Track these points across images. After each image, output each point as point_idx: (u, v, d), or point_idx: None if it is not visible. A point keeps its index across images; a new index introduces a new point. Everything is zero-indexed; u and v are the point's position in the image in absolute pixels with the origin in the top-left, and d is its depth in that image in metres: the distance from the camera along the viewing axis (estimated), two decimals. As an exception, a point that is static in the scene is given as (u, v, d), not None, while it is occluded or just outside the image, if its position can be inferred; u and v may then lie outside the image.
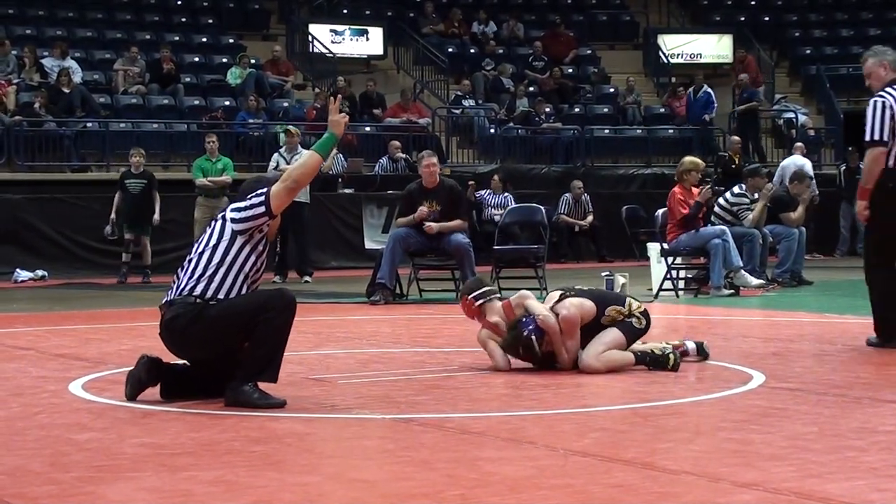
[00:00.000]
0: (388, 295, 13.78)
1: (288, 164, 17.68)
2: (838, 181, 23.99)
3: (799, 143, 23.64)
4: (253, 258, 6.76)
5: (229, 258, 6.70)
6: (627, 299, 8.08)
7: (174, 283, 6.81)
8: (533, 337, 7.70)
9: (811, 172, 22.50)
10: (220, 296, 6.66)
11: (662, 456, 5.16)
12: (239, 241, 6.72)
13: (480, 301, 8.17)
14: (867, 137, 8.90)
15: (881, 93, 8.98)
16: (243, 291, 6.71)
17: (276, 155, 18.46)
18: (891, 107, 8.88)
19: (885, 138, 8.85)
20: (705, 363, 8.15)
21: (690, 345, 8.29)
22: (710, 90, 26.43)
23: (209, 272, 6.68)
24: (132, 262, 18.23)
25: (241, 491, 4.66)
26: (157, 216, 18.16)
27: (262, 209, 6.71)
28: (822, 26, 31.86)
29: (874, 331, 9.11)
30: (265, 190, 6.74)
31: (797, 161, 22.40)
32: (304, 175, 6.77)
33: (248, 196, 6.77)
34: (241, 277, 6.71)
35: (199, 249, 6.75)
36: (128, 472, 5.00)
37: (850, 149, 24.47)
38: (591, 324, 7.86)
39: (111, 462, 5.19)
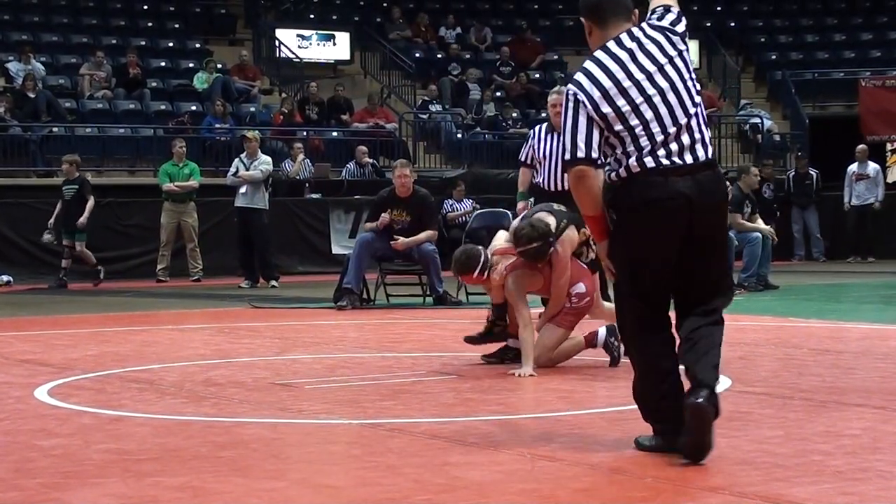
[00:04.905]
0: (355, 300, 13.75)
1: (247, 169, 17.60)
2: (786, 186, 24.04)
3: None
4: None
5: None
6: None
7: (684, 130, 5.14)
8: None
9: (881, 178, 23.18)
10: None
11: (629, 460, 5.17)
12: None
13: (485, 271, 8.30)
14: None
15: None
16: None
17: (236, 160, 18.15)
18: None
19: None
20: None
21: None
22: None
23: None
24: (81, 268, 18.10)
25: (208, 497, 4.65)
26: (82, 219, 17.88)
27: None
28: (787, 32, 32.00)
29: None
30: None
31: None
32: None
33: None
34: None
35: (690, 97, 5.21)
36: (94, 478, 4.98)
37: (798, 154, 24.60)
38: None
39: (77, 468, 5.16)
